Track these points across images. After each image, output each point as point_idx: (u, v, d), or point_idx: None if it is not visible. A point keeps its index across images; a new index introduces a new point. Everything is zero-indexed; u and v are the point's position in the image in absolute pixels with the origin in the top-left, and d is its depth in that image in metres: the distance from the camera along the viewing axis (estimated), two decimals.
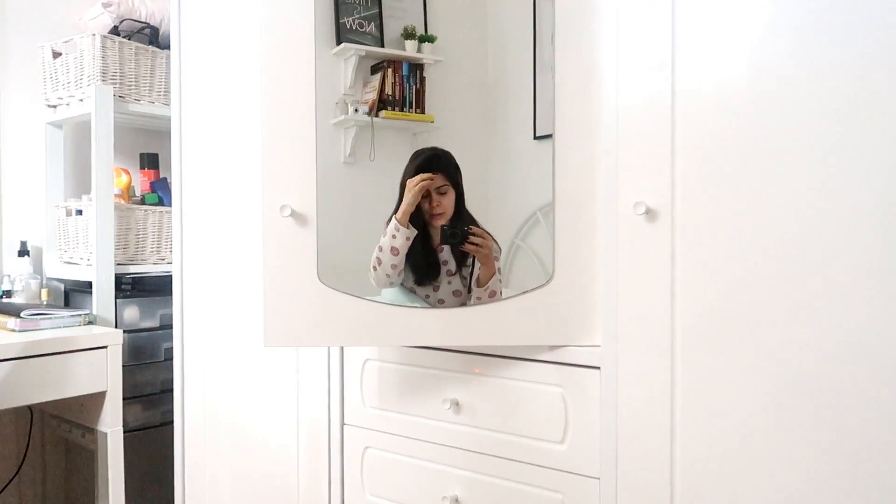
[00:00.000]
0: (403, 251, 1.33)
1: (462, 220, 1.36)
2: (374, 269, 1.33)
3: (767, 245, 1.03)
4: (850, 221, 0.97)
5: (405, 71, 1.50)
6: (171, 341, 1.83)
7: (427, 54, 1.51)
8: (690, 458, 1.10)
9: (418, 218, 1.34)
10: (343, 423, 1.51)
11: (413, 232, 1.33)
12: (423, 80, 1.51)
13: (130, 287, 2.20)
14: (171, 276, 1.84)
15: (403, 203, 1.32)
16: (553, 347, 1.24)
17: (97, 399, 1.89)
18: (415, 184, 1.32)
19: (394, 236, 1.32)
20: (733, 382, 1.06)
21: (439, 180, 1.35)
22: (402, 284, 1.39)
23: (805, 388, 1.00)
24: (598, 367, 1.19)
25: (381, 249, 1.33)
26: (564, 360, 1.23)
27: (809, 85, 0.99)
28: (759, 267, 1.03)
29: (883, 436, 0.95)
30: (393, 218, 1.33)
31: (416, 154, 1.39)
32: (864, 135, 0.96)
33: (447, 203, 1.35)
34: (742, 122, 1.05)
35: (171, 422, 1.85)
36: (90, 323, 2.01)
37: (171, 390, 1.85)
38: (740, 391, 1.05)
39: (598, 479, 1.19)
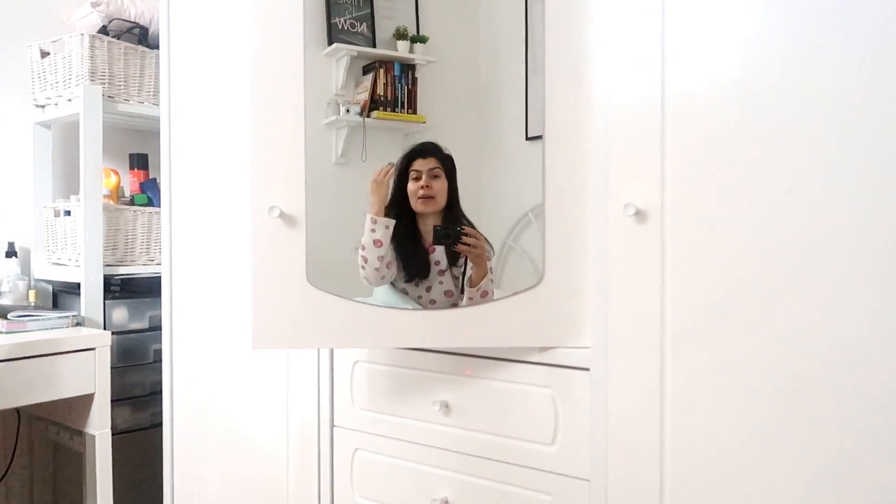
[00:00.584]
0: (387, 241, 1.32)
1: (456, 220, 1.36)
2: (363, 268, 1.32)
3: (758, 246, 1.03)
4: (843, 222, 0.97)
5: (397, 71, 1.49)
6: (160, 343, 1.82)
7: (419, 55, 1.51)
8: (680, 460, 1.10)
9: (409, 211, 1.35)
10: (333, 425, 1.50)
11: (391, 221, 1.32)
12: (414, 80, 1.51)
13: (119, 288, 2.18)
14: (160, 277, 1.83)
15: (375, 198, 1.32)
16: (543, 349, 1.24)
17: (85, 401, 1.87)
18: (381, 176, 1.32)
19: (372, 230, 1.31)
20: (723, 384, 1.06)
21: (432, 162, 1.34)
22: (393, 285, 1.38)
23: (796, 391, 1.00)
24: (588, 369, 1.18)
25: (363, 247, 1.32)
26: (554, 361, 1.23)
27: (800, 85, 0.99)
28: (750, 268, 1.03)
29: (876, 440, 0.95)
30: (367, 214, 1.32)
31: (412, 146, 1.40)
32: (857, 135, 0.96)
33: (438, 187, 1.35)
34: (732, 123, 1.05)
35: (160, 424, 1.84)
36: (78, 324, 1.99)
37: (159, 392, 1.84)
38: (730, 393, 1.05)
39: (588, 480, 1.19)
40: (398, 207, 1.34)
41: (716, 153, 1.06)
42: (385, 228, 1.31)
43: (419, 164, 1.35)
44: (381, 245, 1.31)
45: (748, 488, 1.04)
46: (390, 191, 1.34)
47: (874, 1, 0.94)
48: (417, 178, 1.34)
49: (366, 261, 1.31)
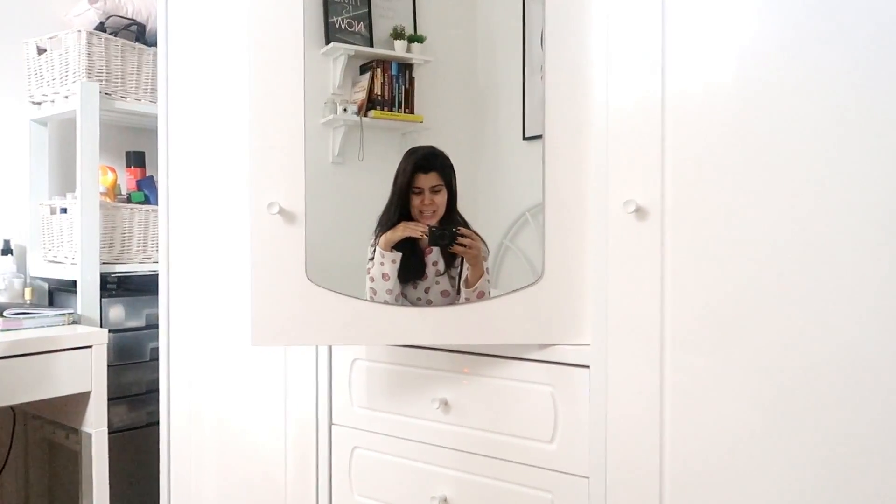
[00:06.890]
0: (394, 274, 1.34)
1: (452, 221, 1.36)
2: (372, 298, 1.34)
3: (757, 245, 1.03)
4: (841, 222, 0.97)
5: (394, 71, 1.49)
6: (157, 341, 1.81)
7: (416, 54, 1.51)
8: (680, 457, 1.10)
9: (408, 217, 1.35)
10: (331, 423, 1.50)
11: (398, 255, 1.34)
12: (412, 80, 1.50)
13: (116, 286, 2.18)
14: (157, 275, 1.82)
15: (391, 233, 1.33)
16: (542, 346, 1.24)
17: (81, 399, 1.87)
18: (416, 232, 1.33)
19: (381, 263, 1.33)
20: (723, 382, 1.06)
21: (433, 179, 1.35)
22: None
23: (795, 389, 1.01)
24: (588, 366, 1.19)
25: (372, 279, 1.34)
26: (554, 359, 1.23)
27: (798, 86, 1.00)
28: (749, 267, 1.04)
29: (873, 441, 0.96)
30: (377, 246, 1.33)
31: (412, 151, 1.39)
32: (854, 135, 0.96)
33: (440, 201, 1.35)
34: (731, 123, 1.05)
35: (157, 422, 1.84)
36: (74, 322, 1.99)
37: (156, 391, 1.83)
38: (730, 391, 1.06)
39: (588, 478, 1.19)
40: (399, 214, 1.34)
41: (715, 152, 1.07)
42: (392, 263, 1.33)
43: (421, 181, 1.34)
44: (389, 279, 1.33)
45: (747, 486, 1.05)
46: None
47: (869, 4, 0.95)
48: (420, 194, 1.34)
49: (375, 292, 1.34)
